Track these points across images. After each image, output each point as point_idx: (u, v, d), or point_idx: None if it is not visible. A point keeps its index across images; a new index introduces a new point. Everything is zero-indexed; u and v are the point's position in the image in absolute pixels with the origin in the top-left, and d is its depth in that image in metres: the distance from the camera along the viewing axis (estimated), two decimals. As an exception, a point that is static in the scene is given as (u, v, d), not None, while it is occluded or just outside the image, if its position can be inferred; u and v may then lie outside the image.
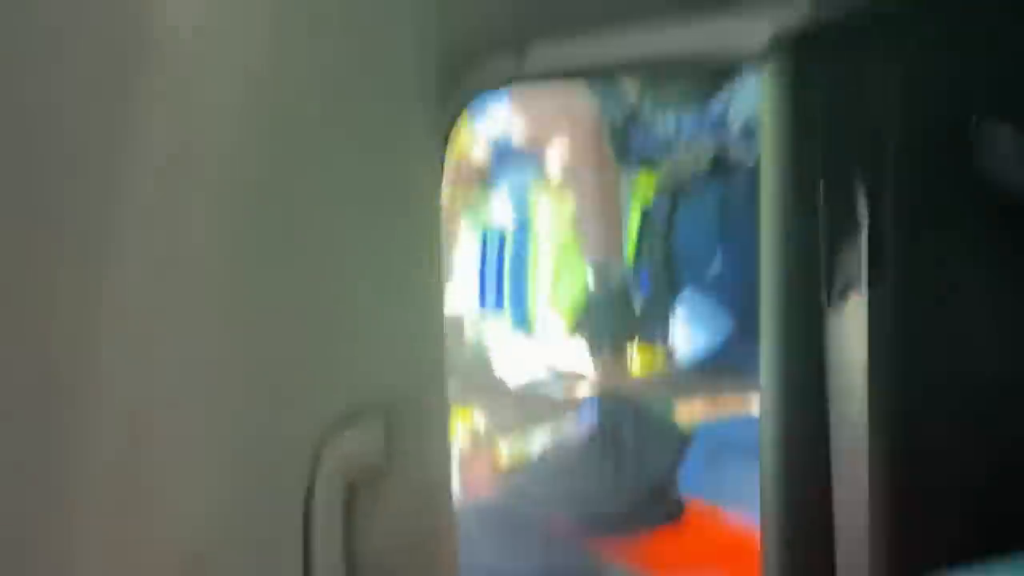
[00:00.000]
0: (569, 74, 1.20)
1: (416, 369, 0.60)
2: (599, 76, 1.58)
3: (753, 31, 0.90)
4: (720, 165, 1.90)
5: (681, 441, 1.87)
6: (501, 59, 0.73)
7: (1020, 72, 0.86)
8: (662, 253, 1.91)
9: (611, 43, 0.86)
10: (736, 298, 1.86)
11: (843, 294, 0.91)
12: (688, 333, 1.92)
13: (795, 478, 0.92)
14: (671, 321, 1.91)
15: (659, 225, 1.91)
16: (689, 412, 2.12)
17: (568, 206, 1.90)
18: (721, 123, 1.90)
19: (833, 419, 0.91)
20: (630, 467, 1.80)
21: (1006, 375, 0.88)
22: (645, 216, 1.92)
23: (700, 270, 1.89)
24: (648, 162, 1.94)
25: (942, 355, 0.89)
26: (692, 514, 1.87)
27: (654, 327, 1.94)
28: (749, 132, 1.86)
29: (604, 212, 1.85)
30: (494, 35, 0.73)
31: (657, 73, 1.68)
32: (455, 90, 0.68)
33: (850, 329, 0.90)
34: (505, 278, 1.99)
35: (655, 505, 1.83)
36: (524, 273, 1.98)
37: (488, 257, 1.98)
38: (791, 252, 0.92)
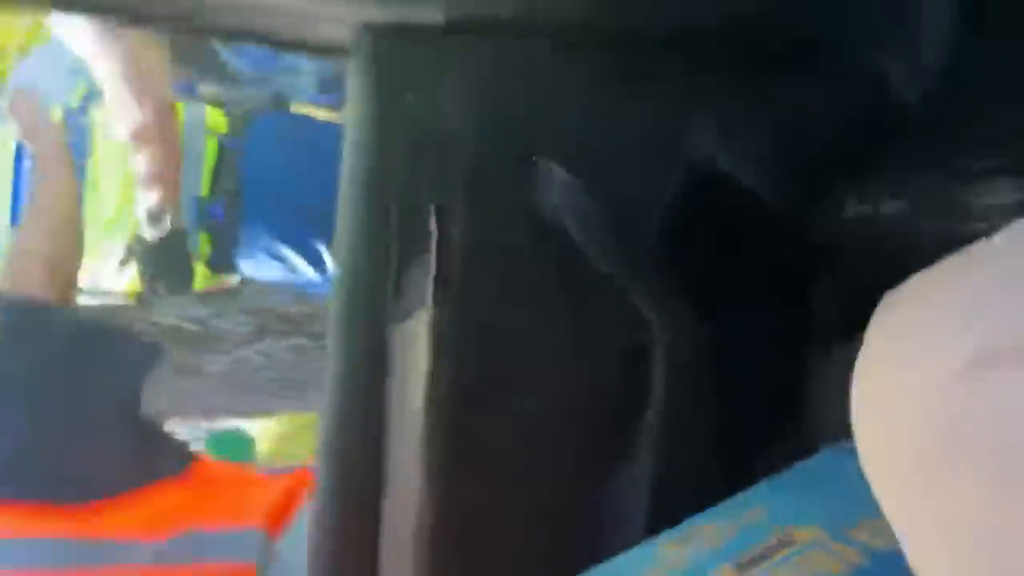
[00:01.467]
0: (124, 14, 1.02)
1: None
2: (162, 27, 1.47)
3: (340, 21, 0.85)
4: (285, 106, 1.97)
5: (149, 353, 1.59)
6: None
7: (574, 116, 0.84)
8: (233, 185, 1.93)
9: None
10: (308, 234, 1.91)
11: (409, 309, 0.88)
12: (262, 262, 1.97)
13: (348, 485, 0.90)
14: (244, 249, 1.92)
15: (229, 157, 1.95)
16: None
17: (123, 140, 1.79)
18: (292, 69, 1.98)
19: (391, 431, 0.88)
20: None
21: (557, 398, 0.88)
22: (218, 149, 1.95)
23: (273, 203, 1.93)
24: (216, 98, 1.97)
25: (499, 379, 0.88)
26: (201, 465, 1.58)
27: (226, 255, 1.95)
28: (323, 85, 1.96)
29: (161, 156, 1.75)
30: None
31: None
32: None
33: (413, 345, 0.88)
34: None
35: (152, 453, 1.45)
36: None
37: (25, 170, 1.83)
38: (362, 262, 0.88)
